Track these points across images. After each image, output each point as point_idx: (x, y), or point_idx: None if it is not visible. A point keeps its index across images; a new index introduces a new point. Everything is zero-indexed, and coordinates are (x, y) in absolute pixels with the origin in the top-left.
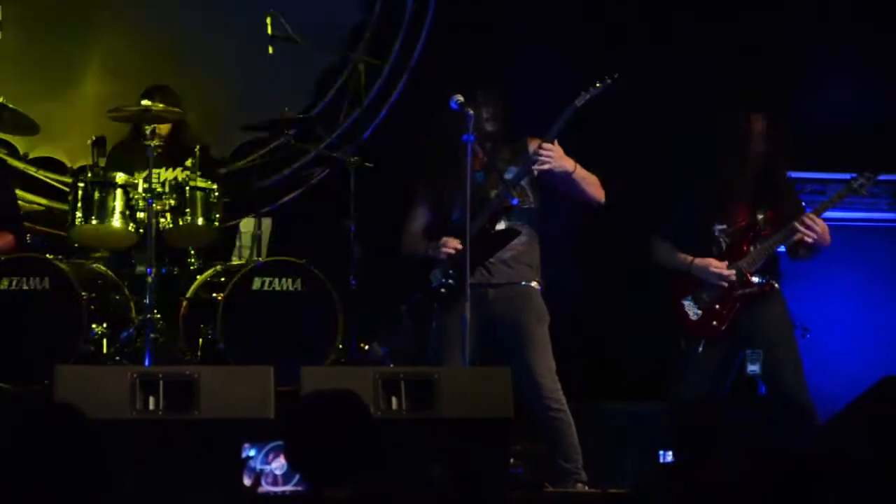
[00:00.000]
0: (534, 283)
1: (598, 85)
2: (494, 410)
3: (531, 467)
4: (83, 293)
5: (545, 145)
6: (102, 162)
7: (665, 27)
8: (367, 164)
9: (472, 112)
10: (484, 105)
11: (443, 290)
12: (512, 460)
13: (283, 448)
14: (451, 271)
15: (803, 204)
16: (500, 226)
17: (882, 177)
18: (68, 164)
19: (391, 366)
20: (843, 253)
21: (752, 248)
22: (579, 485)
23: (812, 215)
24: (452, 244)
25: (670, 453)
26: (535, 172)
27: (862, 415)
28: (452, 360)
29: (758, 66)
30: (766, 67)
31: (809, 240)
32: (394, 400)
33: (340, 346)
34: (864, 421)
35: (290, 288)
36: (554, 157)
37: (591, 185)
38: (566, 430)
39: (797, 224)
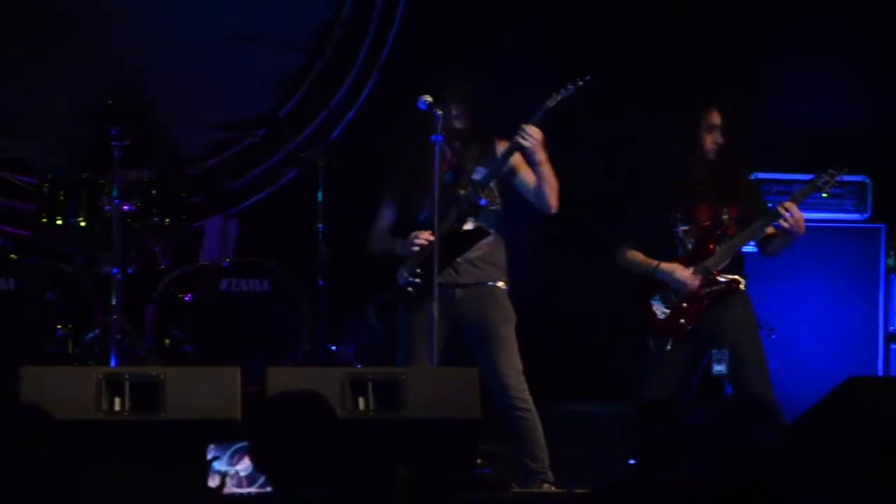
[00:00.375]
0: (500, 284)
1: (570, 87)
2: (462, 411)
3: (498, 468)
4: (49, 294)
5: (528, 126)
6: (69, 162)
7: (631, 29)
8: (335, 164)
9: (440, 112)
10: (452, 102)
11: (409, 288)
12: (479, 461)
13: (248, 449)
14: (418, 270)
15: (769, 205)
16: (468, 226)
17: (847, 178)
18: (35, 165)
19: (359, 366)
20: (809, 254)
21: (718, 247)
22: (546, 485)
23: (789, 203)
24: (424, 236)
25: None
26: (505, 170)
27: (827, 415)
28: (421, 361)
29: (723, 68)
30: (732, 70)
31: (787, 225)
32: (361, 401)
33: (308, 347)
34: (829, 421)
35: (258, 288)
36: (536, 140)
37: (551, 187)
38: (533, 430)
39: (778, 208)
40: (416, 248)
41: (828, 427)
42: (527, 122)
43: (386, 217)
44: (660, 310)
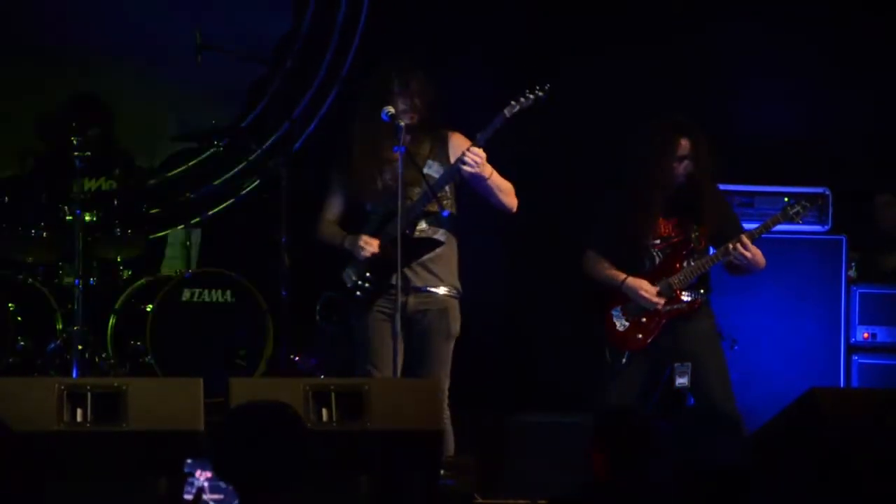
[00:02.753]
0: (447, 290)
1: (529, 96)
2: (425, 422)
3: (461, 478)
4: (10, 305)
5: (473, 149)
6: (29, 172)
7: (599, 40)
8: (297, 175)
9: (402, 124)
10: (400, 96)
11: (358, 292)
12: (442, 472)
13: (213, 458)
14: (367, 274)
15: (742, 224)
16: (422, 227)
17: (808, 189)
18: None
19: (321, 377)
20: (771, 265)
21: (684, 266)
22: None
23: (745, 239)
24: (374, 246)
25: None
26: (460, 176)
27: (789, 426)
28: (385, 364)
29: (685, 80)
30: (694, 83)
31: (740, 263)
32: (324, 412)
33: (270, 358)
34: (791, 432)
35: (220, 299)
36: (480, 162)
37: (505, 192)
38: (448, 446)
39: (730, 246)
40: (366, 254)
41: (789, 438)
42: (482, 128)
43: (334, 206)
44: (619, 322)
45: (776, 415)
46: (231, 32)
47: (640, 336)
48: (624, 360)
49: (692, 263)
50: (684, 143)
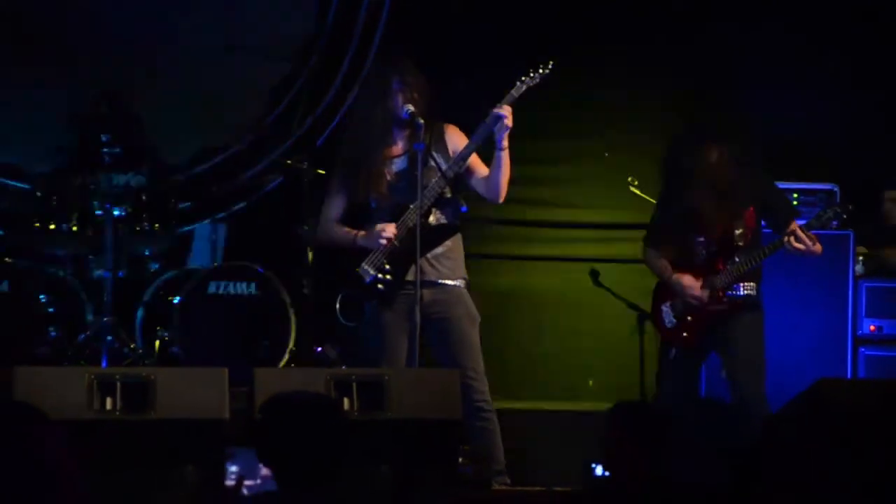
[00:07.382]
0: (462, 282)
1: (535, 75)
2: (444, 412)
3: (479, 466)
4: (41, 296)
5: (506, 107)
6: (56, 168)
7: (609, 35)
8: (319, 171)
9: (422, 122)
10: (399, 92)
11: (380, 286)
12: (460, 459)
13: (261, 448)
14: (387, 266)
15: (792, 210)
16: (433, 219)
17: (816, 186)
18: (28, 170)
19: (343, 367)
20: (780, 259)
21: (727, 266)
22: (504, 486)
23: (800, 232)
24: (390, 230)
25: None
26: (463, 167)
27: (797, 416)
28: (398, 360)
29: (694, 78)
30: (702, 80)
31: (802, 252)
32: (346, 401)
33: (294, 349)
34: (798, 423)
35: (245, 292)
36: (510, 120)
37: (506, 176)
38: (494, 432)
39: (785, 240)
40: (384, 243)
41: (797, 429)
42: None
43: (338, 204)
44: (668, 317)
45: (784, 405)
46: (256, 30)
47: (686, 335)
48: (672, 355)
49: (736, 262)
50: (713, 153)
